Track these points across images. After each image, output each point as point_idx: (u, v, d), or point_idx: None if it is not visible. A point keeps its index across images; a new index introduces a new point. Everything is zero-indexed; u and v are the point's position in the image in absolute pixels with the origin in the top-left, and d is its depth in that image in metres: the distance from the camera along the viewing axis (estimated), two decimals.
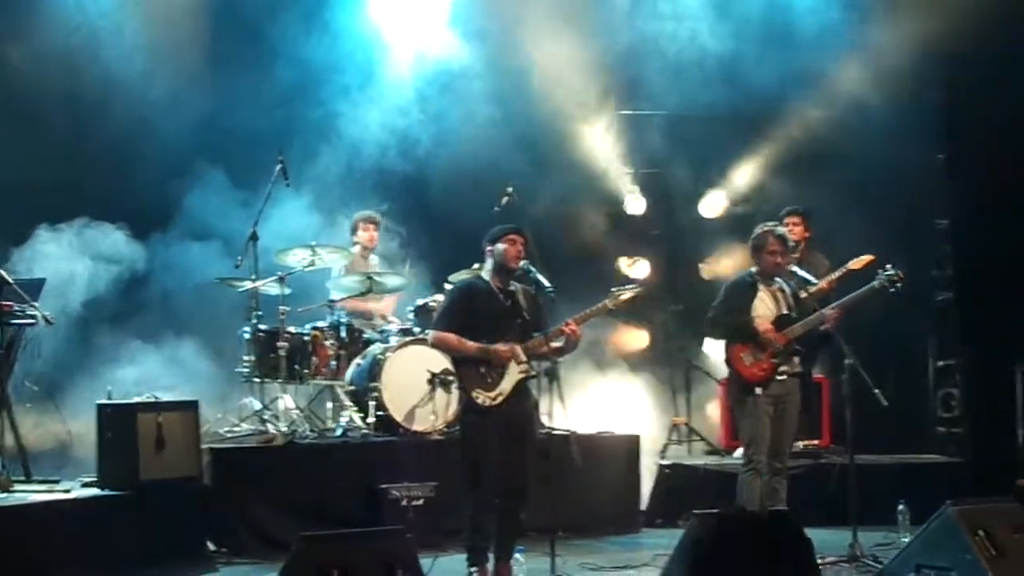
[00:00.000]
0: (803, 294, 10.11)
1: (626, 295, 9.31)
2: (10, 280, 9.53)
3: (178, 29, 13.05)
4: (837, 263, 11.32)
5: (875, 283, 9.86)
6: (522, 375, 8.89)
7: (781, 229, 10.09)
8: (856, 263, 11.22)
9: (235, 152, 13.07)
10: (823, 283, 10.72)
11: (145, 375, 11.57)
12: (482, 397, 8.77)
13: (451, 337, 8.92)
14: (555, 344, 8.94)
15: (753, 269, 10.03)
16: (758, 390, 9.60)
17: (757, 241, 9.95)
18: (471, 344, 8.85)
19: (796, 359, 9.79)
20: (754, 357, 9.68)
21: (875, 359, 10.43)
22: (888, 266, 9.87)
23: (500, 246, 9.00)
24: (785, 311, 9.86)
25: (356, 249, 12.53)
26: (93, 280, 11.76)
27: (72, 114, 12.44)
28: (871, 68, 12.93)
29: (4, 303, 9.48)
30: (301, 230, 12.75)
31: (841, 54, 13.27)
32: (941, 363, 13.29)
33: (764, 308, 9.86)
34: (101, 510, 9.55)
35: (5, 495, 9.30)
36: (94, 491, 9.74)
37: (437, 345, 9.20)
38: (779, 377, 9.68)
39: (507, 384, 8.83)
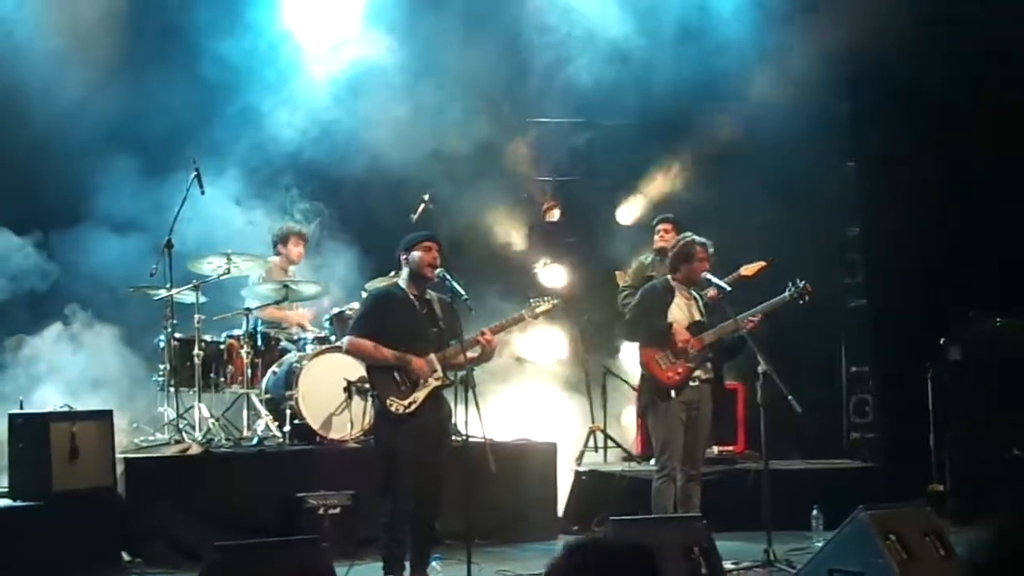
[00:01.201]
0: (710, 294, 10.18)
1: (543, 307, 9.36)
2: None
3: (91, 30, 12.91)
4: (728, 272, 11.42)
5: (785, 295, 9.96)
6: (436, 383, 8.91)
7: (701, 238, 10.17)
8: (748, 269, 11.36)
9: (151, 152, 12.95)
10: (712, 290, 10.80)
11: (58, 384, 11.45)
12: (396, 405, 8.78)
13: (367, 343, 8.93)
14: (471, 353, 8.95)
15: (669, 276, 10.11)
16: (673, 393, 9.68)
17: (685, 251, 10.01)
18: (387, 351, 8.86)
19: (708, 365, 9.88)
20: (669, 361, 9.75)
21: (789, 366, 10.52)
22: (797, 280, 9.98)
23: (415, 254, 9.02)
24: (698, 318, 9.95)
25: (277, 259, 12.47)
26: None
27: None
28: (782, 76, 13.04)
29: None
30: (217, 228, 12.68)
31: (753, 62, 13.38)
32: (854, 369, 13.45)
33: (680, 314, 9.94)
34: (13, 521, 9.49)
35: None
36: (6, 502, 9.66)
37: (352, 351, 9.20)
38: (692, 383, 9.76)
39: (421, 392, 8.85)
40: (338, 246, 13.43)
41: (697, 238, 10.11)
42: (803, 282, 9.92)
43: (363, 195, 13.52)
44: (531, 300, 9.44)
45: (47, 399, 10.76)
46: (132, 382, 11.97)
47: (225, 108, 13.31)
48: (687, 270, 9.97)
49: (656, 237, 12.51)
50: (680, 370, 9.74)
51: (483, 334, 8.94)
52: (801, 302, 9.93)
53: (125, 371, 12.00)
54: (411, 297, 9.04)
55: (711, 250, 10.09)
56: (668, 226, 12.20)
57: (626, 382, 13.36)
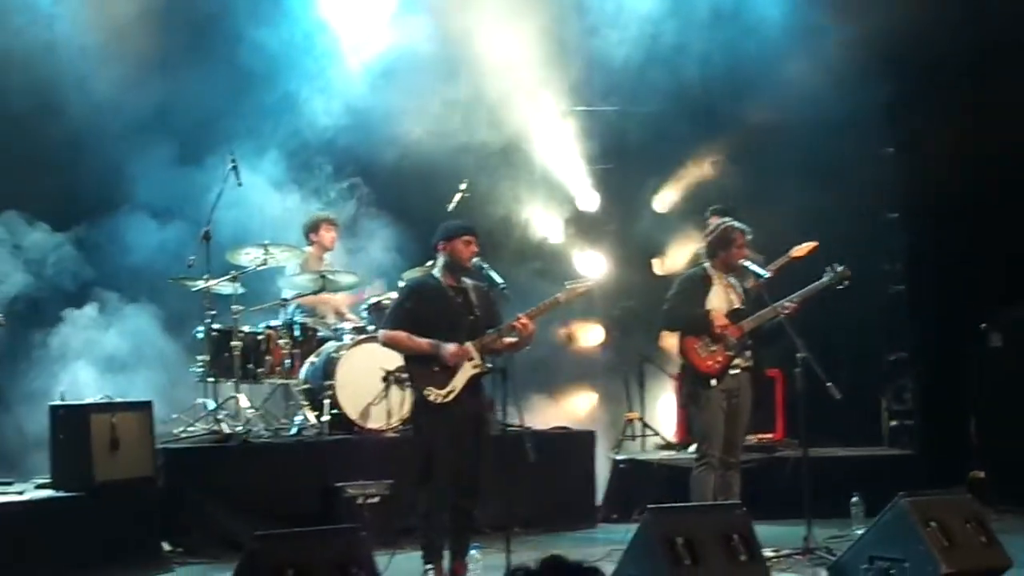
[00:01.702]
0: (749, 283, 10.14)
1: (580, 289, 9.33)
2: None
3: (129, 23, 12.96)
4: (778, 256, 11.39)
5: (824, 279, 9.90)
6: (474, 371, 8.90)
7: (739, 224, 10.13)
8: (798, 251, 11.29)
9: (188, 141, 13.02)
10: (771, 270, 10.77)
11: (96, 375, 11.52)
12: (433, 394, 8.78)
13: (401, 335, 8.93)
14: (509, 340, 8.96)
15: (706, 264, 10.08)
16: (713, 382, 9.65)
17: (725, 236, 9.96)
18: (422, 341, 8.86)
19: (748, 353, 9.84)
20: (708, 349, 9.72)
21: (828, 353, 10.49)
22: (836, 264, 9.93)
23: (455, 245, 9.01)
24: (737, 305, 9.91)
25: (312, 249, 12.49)
26: (39, 279, 11.76)
27: (24, 108, 12.33)
28: (819, 59, 12.96)
29: None
30: (255, 216, 12.72)
31: (789, 45, 13.30)
32: (893, 356, 13.36)
33: (718, 302, 9.90)
34: (55, 512, 9.51)
35: None
36: (48, 493, 9.69)
37: (387, 343, 9.20)
38: (732, 371, 9.72)
39: (459, 381, 8.84)
40: (373, 225, 13.43)
41: (736, 224, 10.07)
42: (842, 267, 9.87)
43: (398, 182, 13.54)
44: (566, 283, 9.42)
45: (86, 391, 10.81)
46: (171, 373, 12.04)
47: (262, 96, 13.36)
48: (726, 256, 9.94)
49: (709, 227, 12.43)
50: (719, 358, 9.70)
51: (519, 319, 8.93)
52: (840, 287, 9.88)
53: (164, 362, 12.07)
54: (446, 286, 9.03)
55: (749, 236, 10.05)
56: (719, 217, 12.04)
57: (663, 370, 13.35)
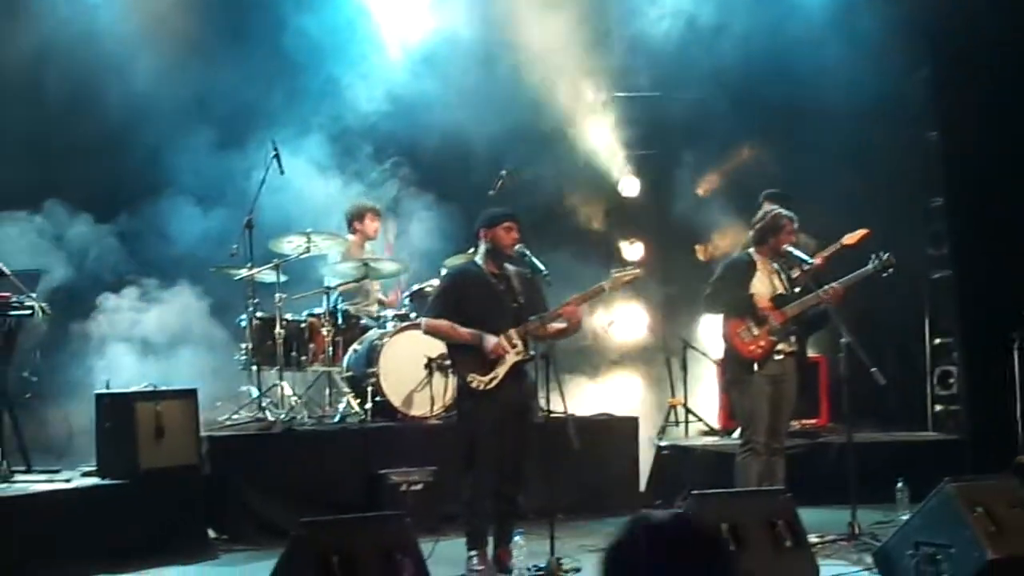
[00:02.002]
0: (795, 273, 10.10)
1: (625, 277, 9.30)
2: (7, 272, 9.53)
3: (170, 10, 13.04)
4: (824, 245, 11.34)
5: (868, 267, 9.84)
6: (517, 358, 8.90)
7: (787, 211, 10.10)
8: (850, 238, 11.21)
9: (230, 127, 13.08)
10: (818, 258, 10.73)
11: (143, 364, 11.59)
12: (476, 381, 8.79)
13: (443, 324, 8.94)
14: (556, 326, 8.96)
15: (751, 249, 10.04)
16: (756, 367, 9.62)
17: (775, 223, 9.94)
18: (463, 330, 8.86)
19: (792, 338, 9.81)
20: (751, 334, 9.69)
21: (872, 338, 10.43)
22: (881, 252, 9.88)
23: (497, 232, 9.01)
24: (781, 291, 9.87)
25: (354, 237, 12.50)
26: (81, 269, 11.84)
27: (66, 98, 12.39)
28: (863, 44, 12.88)
29: (1, 294, 9.47)
30: (297, 201, 12.78)
31: (833, 30, 13.22)
32: (938, 341, 13.26)
33: (762, 287, 9.87)
34: (101, 499, 9.61)
35: (6, 485, 9.35)
36: (94, 480, 9.79)
37: (429, 332, 9.22)
38: (776, 356, 9.69)
39: (502, 368, 8.84)
40: (414, 206, 13.44)
41: (784, 211, 10.04)
42: (886, 254, 9.81)
43: (439, 168, 13.55)
44: (612, 270, 9.40)
45: (130, 380, 10.87)
46: (214, 361, 12.09)
47: (304, 82, 13.39)
48: (775, 242, 9.90)
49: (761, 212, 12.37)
50: (763, 343, 9.67)
51: (567, 305, 8.92)
52: (884, 275, 9.83)
53: (207, 350, 12.12)
54: (488, 273, 9.03)
55: (796, 225, 10.03)
56: (776, 203, 11.93)
57: (706, 356, 13.31)
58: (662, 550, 3.19)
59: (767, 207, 10.60)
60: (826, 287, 9.74)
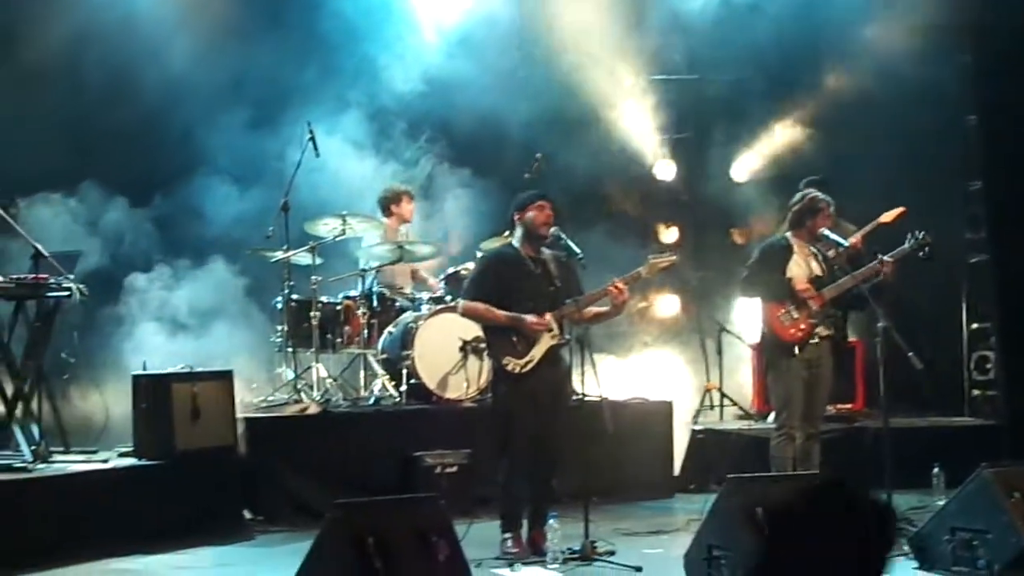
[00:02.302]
0: (831, 254, 10.05)
1: (662, 263, 9.29)
2: (45, 253, 9.57)
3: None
4: (862, 226, 11.30)
5: (905, 246, 9.80)
6: (553, 342, 8.91)
7: (823, 194, 10.05)
8: (887, 216, 11.16)
9: (267, 110, 13.15)
10: (855, 238, 10.67)
11: (178, 345, 11.64)
12: (512, 364, 8.81)
13: (480, 306, 8.96)
14: (594, 310, 8.97)
15: (788, 233, 10.00)
16: (795, 351, 9.58)
17: (810, 205, 9.88)
18: (501, 313, 8.88)
19: (830, 321, 9.76)
20: (791, 317, 9.64)
21: (908, 322, 10.38)
22: (917, 231, 9.83)
23: (529, 213, 9.02)
24: (818, 274, 9.83)
25: (389, 220, 12.50)
26: (117, 251, 11.90)
27: (103, 81, 12.44)
28: (902, 29, 12.80)
29: (40, 276, 9.52)
30: (334, 182, 12.83)
31: (872, 14, 13.14)
32: (975, 325, 13.19)
33: (799, 271, 9.81)
34: (138, 480, 9.67)
35: (44, 466, 9.39)
36: (131, 461, 9.84)
37: (467, 314, 9.24)
38: (813, 340, 9.65)
39: (538, 351, 8.86)
40: (448, 183, 13.44)
41: (820, 194, 10.00)
42: (922, 233, 9.76)
43: (474, 150, 13.55)
44: (649, 256, 9.38)
45: (166, 360, 10.92)
46: (250, 343, 12.13)
47: (339, 63, 13.39)
48: (812, 225, 9.84)
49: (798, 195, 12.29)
50: (802, 326, 9.62)
51: (614, 284, 8.91)
52: (921, 254, 9.77)
53: (243, 332, 12.16)
54: (525, 257, 9.04)
55: (832, 209, 9.99)
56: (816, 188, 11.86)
57: (741, 340, 13.27)
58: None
59: (811, 192, 10.55)
60: (881, 257, 9.67)
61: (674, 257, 9.53)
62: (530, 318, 8.85)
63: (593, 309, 9.02)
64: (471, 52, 13.57)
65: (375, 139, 13.45)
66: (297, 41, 13.21)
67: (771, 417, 10.46)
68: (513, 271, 9.00)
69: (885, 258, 9.66)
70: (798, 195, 10.14)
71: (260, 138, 13.04)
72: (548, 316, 8.88)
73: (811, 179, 11.74)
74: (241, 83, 13.11)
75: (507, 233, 11.11)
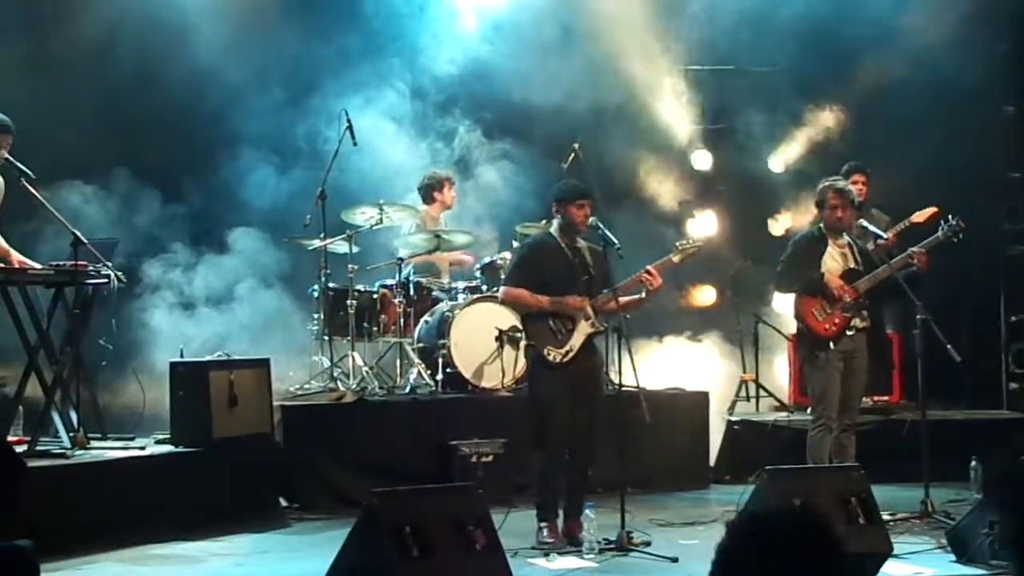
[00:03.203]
0: (870, 246, 10.03)
1: (691, 249, 9.31)
2: (84, 240, 9.61)
3: None
4: (904, 216, 11.26)
5: (939, 234, 9.78)
6: (591, 330, 8.92)
7: (841, 183, 10.03)
8: (919, 216, 11.13)
9: (302, 94, 13.19)
10: (888, 235, 10.64)
11: (216, 333, 11.68)
12: (553, 354, 8.83)
13: (523, 292, 8.98)
14: (627, 299, 8.97)
15: (820, 224, 9.98)
16: (831, 344, 9.55)
17: (820, 196, 9.91)
18: (543, 298, 8.90)
19: (865, 312, 9.73)
20: (825, 312, 9.62)
21: (946, 314, 10.33)
22: (950, 217, 9.80)
23: (569, 209, 9.02)
24: (852, 266, 9.80)
25: (428, 208, 12.50)
26: (151, 238, 11.97)
27: (134, 64, 12.48)
28: (940, 19, 12.74)
29: (79, 263, 9.56)
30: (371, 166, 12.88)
31: (909, 3, 13.08)
32: (1013, 318, 13.11)
33: (832, 263, 9.79)
34: (175, 467, 9.70)
35: (82, 452, 9.43)
36: (168, 448, 9.88)
37: (508, 301, 9.27)
38: (848, 332, 9.62)
39: (577, 340, 8.89)
40: (484, 169, 13.44)
41: (837, 184, 9.96)
42: (956, 219, 9.73)
43: (512, 137, 13.53)
44: (678, 243, 9.40)
45: (202, 349, 10.97)
46: (287, 331, 12.17)
47: (377, 47, 13.40)
48: (827, 217, 9.83)
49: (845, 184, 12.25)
50: (837, 320, 9.60)
51: (647, 271, 8.91)
52: (955, 240, 9.74)
53: (280, 320, 12.20)
54: (563, 246, 9.04)
55: (853, 197, 9.95)
56: (861, 176, 11.77)
57: (778, 331, 13.23)
58: (775, 548, 3.12)
59: (825, 182, 10.52)
60: (911, 250, 9.64)
61: (701, 242, 9.53)
62: (571, 298, 8.87)
63: (625, 298, 9.02)
64: (509, 38, 13.54)
65: (412, 118, 13.44)
66: (334, 24, 13.27)
67: (809, 410, 10.43)
68: (552, 259, 9.02)
69: (914, 249, 9.64)
70: (820, 186, 10.11)
71: (296, 122, 13.09)
72: (584, 299, 8.89)
73: (854, 165, 11.73)
74: (277, 69, 13.17)
75: (544, 221, 11.14)
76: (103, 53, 12.37)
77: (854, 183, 11.15)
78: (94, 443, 9.78)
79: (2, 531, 5.89)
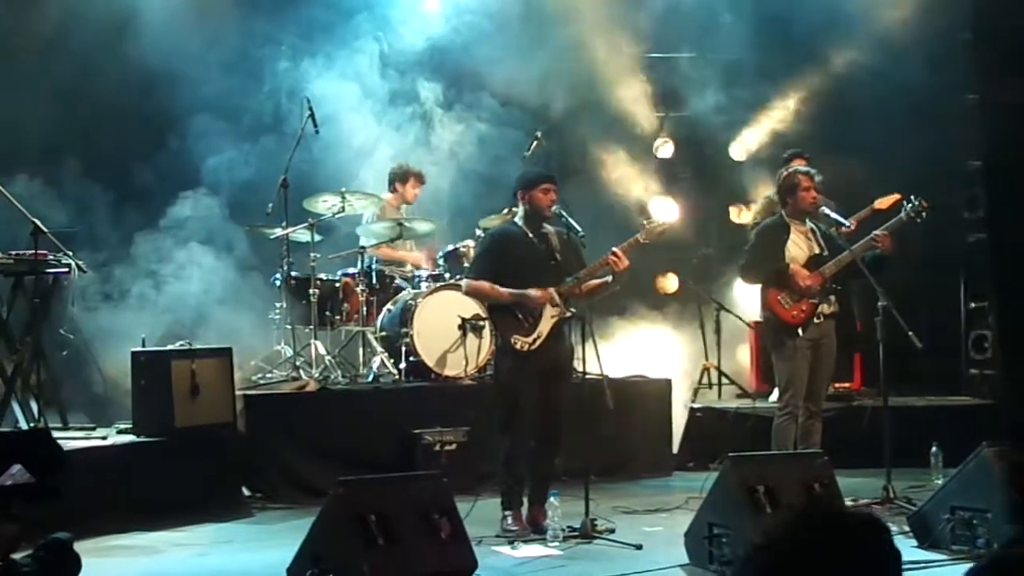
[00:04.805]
0: (833, 230, 10.06)
1: (658, 228, 9.25)
2: (45, 230, 9.55)
3: None
4: (863, 205, 11.29)
5: (902, 215, 9.83)
6: (557, 317, 8.92)
7: (805, 167, 10.07)
8: (882, 202, 11.18)
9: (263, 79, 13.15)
10: (851, 222, 10.69)
11: (176, 321, 11.62)
12: (520, 342, 8.82)
13: (485, 285, 8.96)
14: (594, 283, 8.98)
15: (782, 212, 10.00)
16: (799, 332, 9.58)
17: (788, 182, 9.92)
18: (505, 291, 8.88)
19: (832, 298, 9.75)
20: (792, 300, 9.64)
21: (907, 301, 10.38)
22: (912, 197, 9.85)
23: (533, 194, 9.01)
24: (817, 251, 9.83)
25: (391, 197, 12.48)
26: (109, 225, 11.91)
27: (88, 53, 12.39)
28: (900, 7, 12.79)
29: (39, 252, 9.50)
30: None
31: None
32: (973, 305, 13.18)
33: (797, 250, 9.82)
34: (137, 457, 9.67)
35: None
36: (130, 438, 9.84)
37: (471, 293, 9.27)
38: (816, 320, 9.65)
39: (544, 327, 8.89)
40: (446, 160, 13.41)
41: (801, 167, 10.00)
42: (919, 199, 9.77)
43: (474, 125, 13.50)
44: (644, 222, 9.38)
45: (165, 337, 10.92)
46: (249, 320, 12.11)
47: (341, 31, 13.34)
48: (794, 201, 9.85)
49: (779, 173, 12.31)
50: (804, 307, 9.62)
51: (613, 252, 8.90)
52: (919, 220, 9.78)
53: (242, 309, 12.14)
54: (528, 234, 9.04)
55: (818, 179, 10.00)
56: (801, 161, 11.83)
57: (740, 318, 13.28)
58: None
59: (795, 165, 10.54)
60: (875, 233, 9.69)
61: (667, 223, 9.52)
62: (534, 292, 8.86)
63: (592, 283, 9.03)
64: (471, 28, 13.50)
65: (375, 107, 13.40)
66: (299, 6, 13.22)
67: (773, 396, 10.48)
68: (517, 248, 9.01)
69: (878, 232, 9.69)
70: (780, 174, 10.14)
71: (258, 107, 13.02)
72: (551, 290, 8.89)
73: (794, 151, 11.79)
74: (238, 54, 13.07)
75: (506, 211, 11.12)
76: (53, 40, 12.26)
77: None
78: (55, 433, 9.70)
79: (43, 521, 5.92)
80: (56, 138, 12.10)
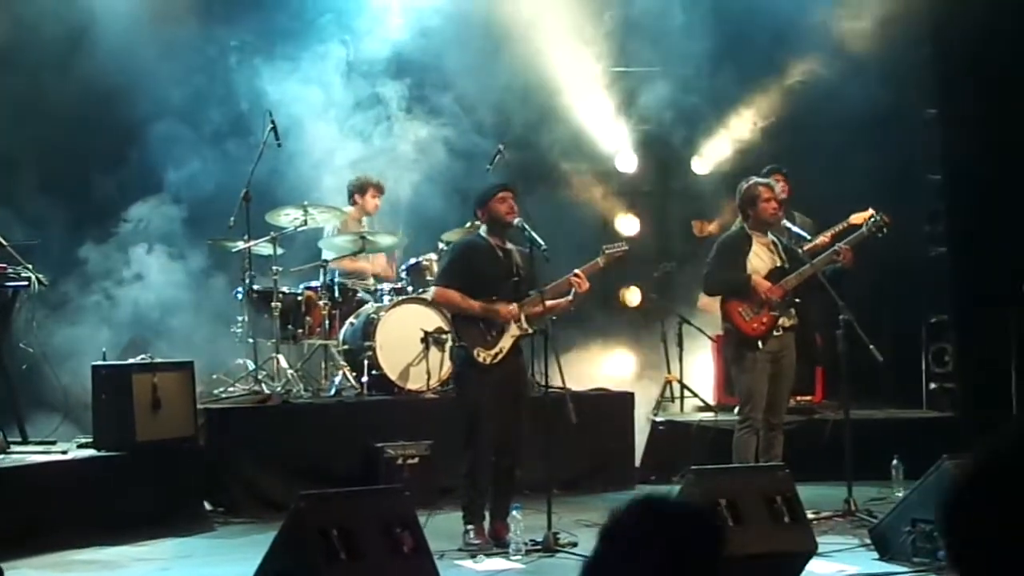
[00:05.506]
0: (800, 250, 10.11)
1: (617, 253, 9.41)
2: (4, 243, 9.50)
3: None
4: (827, 219, 11.33)
5: (863, 229, 9.91)
6: (519, 333, 8.94)
7: (765, 179, 10.14)
8: (857, 217, 11.21)
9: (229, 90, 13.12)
10: (824, 236, 10.73)
11: (139, 336, 11.57)
12: (483, 355, 8.85)
13: (455, 295, 8.99)
14: (553, 302, 9.01)
15: (743, 225, 10.03)
16: (760, 344, 9.61)
17: (749, 194, 9.95)
18: (475, 303, 8.92)
19: (792, 311, 9.79)
20: (752, 312, 9.68)
21: (867, 314, 10.44)
22: (872, 211, 9.92)
23: (491, 206, 9.04)
24: (779, 264, 9.87)
25: (352, 210, 12.45)
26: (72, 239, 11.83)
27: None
28: (862, 22, 12.87)
29: None
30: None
31: (833, 7, 13.19)
32: (934, 319, 13.25)
33: (759, 262, 9.85)
34: (98, 471, 9.63)
35: (2, 456, 9.34)
36: (90, 452, 9.81)
37: (439, 301, 9.30)
38: (776, 333, 9.68)
39: (506, 342, 8.92)
40: (408, 172, 13.39)
41: (760, 179, 10.06)
42: (880, 214, 9.85)
43: (437, 139, 13.49)
44: (603, 247, 9.46)
45: (126, 352, 10.87)
46: (210, 334, 12.07)
47: (304, 42, 13.30)
48: (755, 213, 9.89)
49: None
50: (764, 320, 9.66)
51: (575, 274, 8.96)
52: (880, 235, 9.86)
53: (203, 323, 12.10)
54: (494, 247, 9.07)
55: (778, 189, 10.05)
56: (780, 177, 11.80)
57: (702, 331, 13.30)
58: (660, 528, 3.12)
59: (748, 181, 10.60)
60: (837, 246, 9.76)
61: (626, 247, 9.62)
62: (503, 306, 8.88)
63: (551, 302, 9.06)
64: (434, 38, 13.48)
65: (338, 119, 13.34)
66: (262, 17, 13.19)
67: (736, 409, 10.50)
68: (483, 261, 9.05)
69: (840, 246, 9.76)
70: (741, 186, 10.17)
71: (218, 112, 12.97)
72: (515, 307, 8.91)
73: (773, 167, 11.82)
74: (202, 61, 13.02)
75: (469, 224, 11.11)
76: (6, 52, 12.18)
77: (777, 183, 11.27)
78: (14, 447, 9.68)
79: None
80: (11, 151, 12.00)
